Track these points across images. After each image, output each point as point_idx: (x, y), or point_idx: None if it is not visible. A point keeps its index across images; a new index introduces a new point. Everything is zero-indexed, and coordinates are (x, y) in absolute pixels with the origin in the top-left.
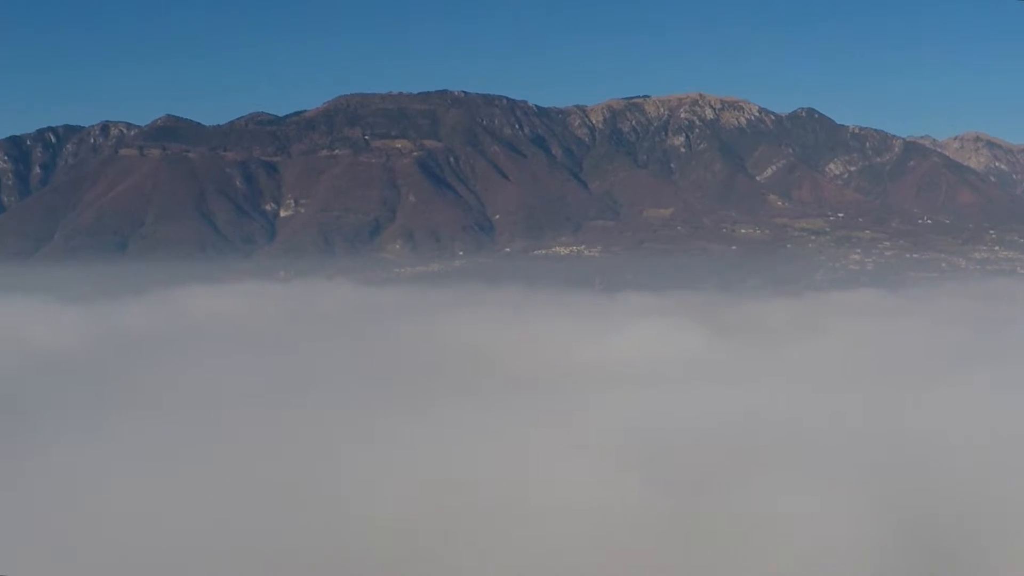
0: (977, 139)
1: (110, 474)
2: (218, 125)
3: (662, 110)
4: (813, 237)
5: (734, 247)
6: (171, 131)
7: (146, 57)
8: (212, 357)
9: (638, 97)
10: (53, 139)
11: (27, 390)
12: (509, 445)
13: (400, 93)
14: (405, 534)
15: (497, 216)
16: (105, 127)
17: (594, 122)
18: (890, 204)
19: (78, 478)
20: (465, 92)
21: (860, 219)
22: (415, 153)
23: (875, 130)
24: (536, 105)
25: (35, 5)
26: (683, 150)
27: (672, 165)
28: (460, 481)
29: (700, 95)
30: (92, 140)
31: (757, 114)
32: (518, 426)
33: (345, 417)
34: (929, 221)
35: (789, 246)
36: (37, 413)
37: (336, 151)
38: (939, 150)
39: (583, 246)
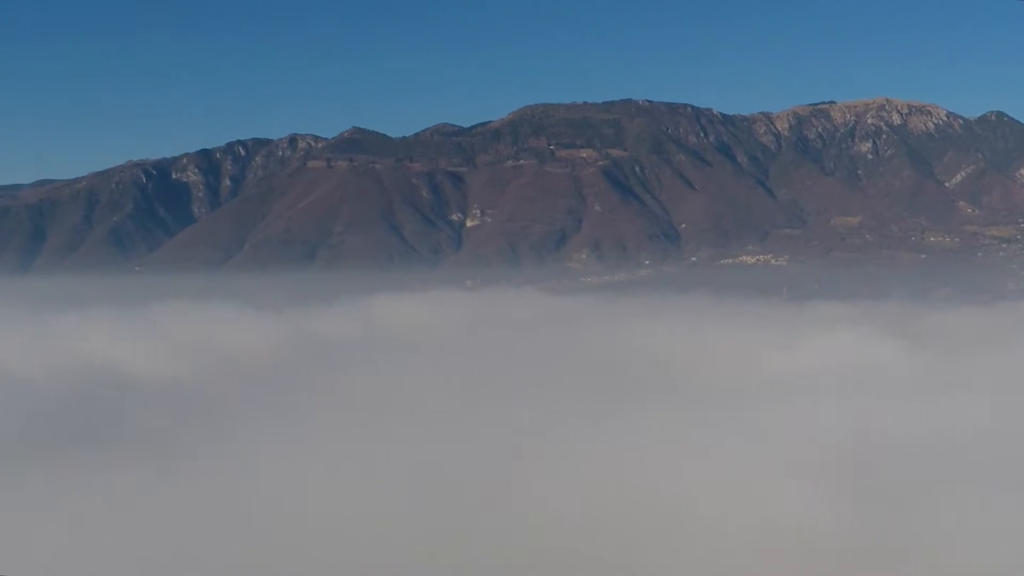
0: None
1: (302, 476)
2: (404, 137)
3: (848, 116)
4: (1004, 245)
5: (923, 255)
6: (357, 143)
7: (333, 70)
8: (403, 363)
9: (824, 103)
10: (242, 152)
11: (226, 393)
12: (697, 453)
13: (584, 103)
14: (592, 539)
15: (683, 225)
16: (293, 140)
17: (779, 129)
18: None
19: (273, 478)
20: (649, 101)
21: None
22: (600, 162)
23: None
24: (721, 113)
25: (230, 24)
26: (870, 156)
27: (859, 172)
28: (646, 487)
29: (887, 100)
30: (280, 153)
31: (945, 119)
32: (706, 435)
33: (535, 422)
34: None
35: (980, 254)
36: (235, 415)
37: (521, 161)
38: None
39: (770, 255)
